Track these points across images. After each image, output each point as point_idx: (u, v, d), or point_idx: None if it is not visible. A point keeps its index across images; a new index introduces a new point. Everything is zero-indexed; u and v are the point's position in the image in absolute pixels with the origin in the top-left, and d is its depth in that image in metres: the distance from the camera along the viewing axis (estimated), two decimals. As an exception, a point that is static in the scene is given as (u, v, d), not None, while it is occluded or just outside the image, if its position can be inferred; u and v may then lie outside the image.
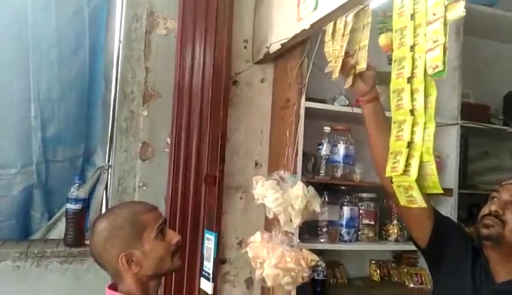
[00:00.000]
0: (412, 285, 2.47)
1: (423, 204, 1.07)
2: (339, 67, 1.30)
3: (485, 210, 1.36)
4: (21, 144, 2.23)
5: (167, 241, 1.21)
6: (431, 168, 1.00)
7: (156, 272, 1.19)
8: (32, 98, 2.23)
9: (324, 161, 2.18)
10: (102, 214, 1.95)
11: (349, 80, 1.35)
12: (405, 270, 2.55)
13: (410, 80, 1.05)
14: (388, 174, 1.10)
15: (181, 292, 2.08)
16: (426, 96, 1.01)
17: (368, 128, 1.39)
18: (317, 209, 1.71)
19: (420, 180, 1.02)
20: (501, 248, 1.31)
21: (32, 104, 2.23)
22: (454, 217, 2.36)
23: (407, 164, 1.03)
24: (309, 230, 2.17)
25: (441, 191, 1.01)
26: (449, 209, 2.38)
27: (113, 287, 1.21)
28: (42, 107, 2.25)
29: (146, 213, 1.21)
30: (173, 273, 2.05)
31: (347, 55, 1.32)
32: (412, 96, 1.04)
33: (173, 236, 1.23)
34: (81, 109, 2.36)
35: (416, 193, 1.03)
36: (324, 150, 2.19)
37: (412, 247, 2.39)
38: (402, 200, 1.09)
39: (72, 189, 2.16)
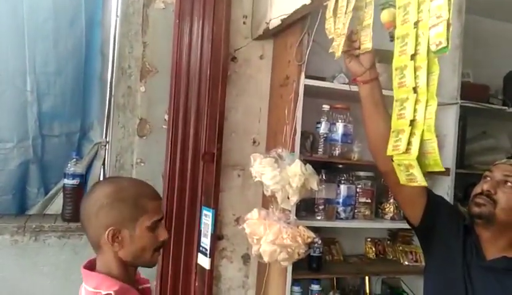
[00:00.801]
0: (406, 262, 2.51)
1: (423, 183, 1.07)
2: (341, 45, 1.28)
3: (477, 189, 1.38)
4: (17, 118, 2.22)
5: (155, 235, 1.16)
6: (432, 145, 1.00)
7: (133, 260, 1.15)
8: (27, 71, 2.21)
9: (322, 140, 2.18)
10: (108, 178, 1.92)
11: (347, 60, 1.32)
12: (400, 247, 2.58)
13: (413, 57, 1.03)
14: (389, 153, 1.10)
15: (179, 267, 2.10)
16: (429, 73, 1.00)
17: (363, 108, 1.37)
18: (315, 187, 1.71)
19: (420, 158, 1.02)
20: (492, 227, 1.34)
21: (28, 77, 2.21)
22: (450, 197, 2.38)
23: (408, 142, 1.02)
24: (306, 207, 2.18)
25: (442, 169, 1.01)
26: (446, 188, 2.39)
27: (89, 267, 1.17)
28: (37, 80, 2.22)
29: (151, 200, 1.18)
30: (171, 248, 2.07)
31: (350, 37, 1.28)
32: (414, 73, 1.02)
33: (163, 233, 1.19)
34: (78, 84, 2.34)
35: (416, 171, 1.03)
36: (323, 128, 2.19)
37: (407, 225, 2.43)
38: (402, 179, 1.09)
39: (69, 164, 2.15)
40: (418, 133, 1.00)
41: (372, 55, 1.29)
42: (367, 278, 2.52)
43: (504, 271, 1.32)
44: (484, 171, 1.87)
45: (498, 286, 1.31)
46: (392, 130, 1.09)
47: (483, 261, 1.37)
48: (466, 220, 1.47)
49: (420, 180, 1.05)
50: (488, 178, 1.38)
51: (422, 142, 1.00)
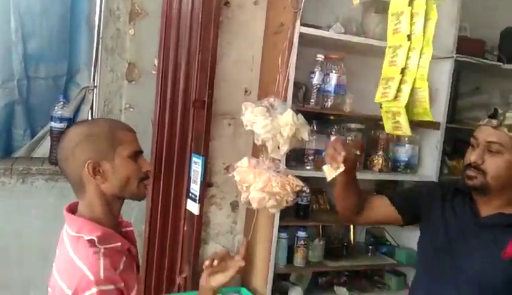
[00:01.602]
0: (391, 214, 2.56)
1: (408, 132, 1.07)
2: None
3: (466, 159, 1.38)
4: (1, 58, 2.15)
5: (138, 165, 1.15)
6: (423, 94, 0.99)
7: (120, 192, 1.14)
8: (12, 11, 2.12)
9: (315, 91, 2.16)
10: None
11: (331, 172, 1.35)
12: (387, 199, 2.63)
13: (411, 3, 1.00)
14: (377, 100, 1.09)
15: (168, 212, 2.12)
16: (426, 20, 0.97)
17: (337, 188, 1.49)
18: (306, 137, 1.69)
19: (410, 106, 1.01)
20: (489, 194, 1.35)
21: (12, 16, 2.12)
22: (439, 151, 2.40)
23: (398, 89, 1.01)
24: (296, 157, 2.19)
25: (431, 118, 1.01)
26: (435, 142, 2.41)
27: (71, 210, 1.17)
28: (22, 20, 2.15)
29: (125, 131, 1.17)
30: (160, 193, 2.09)
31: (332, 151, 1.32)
32: (411, 19, 0.99)
33: (145, 164, 1.18)
34: (64, 25, 2.26)
35: (403, 119, 1.02)
36: (316, 79, 2.16)
37: (395, 177, 2.47)
38: (388, 127, 1.08)
39: (56, 108, 2.12)
40: (410, 80, 0.99)
41: (353, 157, 1.36)
42: (351, 227, 2.58)
43: (500, 227, 1.33)
44: (474, 127, 1.86)
45: (493, 241, 1.32)
46: (382, 77, 1.08)
47: (477, 218, 1.38)
48: (455, 184, 1.48)
49: (405, 129, 1.05)
50: (474, 146, 1.36)
51: (413, 90, 0.99)
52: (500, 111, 1.34)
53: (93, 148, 1.11)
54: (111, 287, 1.03)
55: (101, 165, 1.11)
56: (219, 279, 1.21)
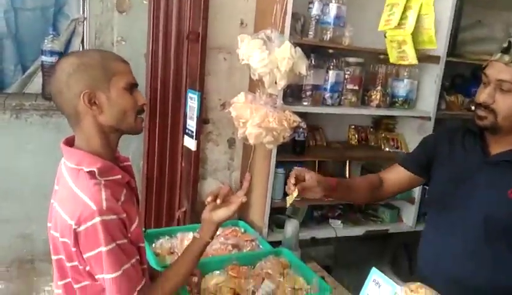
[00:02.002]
0: (387, 149, 2.58)
1: (414, 61, 1.04)
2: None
3: (477, 97, 1.31)
4: (-16, -11, 2.05)
5: (133, 98, 1.13)
6: (429, 21, 0.94)
7: (117, 125, 1.12)
8: None
9: (313, 22, 2.08)
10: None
11: (289, 200, 1.35)
12: (383, 134, 2.64)
13: None
14: (380, 27, 1.05)
15: (165, 148, 2.13)
16: None
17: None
18: (303, 71, 1.66)
19: (415, 34, 0.97)
20: (499, 133, 1.32)
21: None
22: (437, 86, 2.38)
23: (403, 17, 0.96)
24: (292, 93, 2.16)
25: (436, 46, 0.98)
26: (434, 76, 2.38)
27: (68, 143, 1.15)
28: None
29: (119, 62, 1.13)
30: (157, 129, 2.08)
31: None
32: None
33: (141, 98, 1.16)
34: (48, -49, 2.12)
35: (409, 48, 0.99)
36: (315, 9, 2.08)
37: (392, 112, 2.46)
38: (393, 57, 1.05)
39: (46, 41, 2.05)
40: (416, 6, 0.94)
41: (317, 183, 1.34)
42: (347, 162, 2.61)
43: (510, 164, 1.30)
44: (475, 61, 1.81)
45: (501, 179, 1.31)
46: (386, 3, 1.03)
47: (487, 157, 1.36)
48: (460, 128, 1.46)
49: (411, 58, 1.02)
50: (484, 84, 1.30)
51: (419, 17, 0.94)
52: None
53: (87, 78, 1.08)
54: (114, 217, 1.04)
55: (96, 95, 1.08)
56: (221, 214, 1.23)
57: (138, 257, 1.11)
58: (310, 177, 1.34)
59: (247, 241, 1.86)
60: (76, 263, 1.08)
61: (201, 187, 2.20)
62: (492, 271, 1.34)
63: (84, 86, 1.07)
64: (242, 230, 1.97)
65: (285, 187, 1.49)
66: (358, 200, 1.61)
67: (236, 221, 2.08)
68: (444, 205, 1.45)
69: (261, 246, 1.85)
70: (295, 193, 1.32)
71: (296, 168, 1.40)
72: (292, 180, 1.32)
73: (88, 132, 1.12)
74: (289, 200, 1.35)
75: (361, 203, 1.94)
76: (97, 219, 1.01)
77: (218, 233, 1.84)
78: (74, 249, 1.05)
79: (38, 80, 2.20)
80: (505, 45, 1.26)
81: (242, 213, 2.27)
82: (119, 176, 1.13)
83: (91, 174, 1.08)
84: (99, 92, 1.09)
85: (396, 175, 1.56)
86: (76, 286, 1.11)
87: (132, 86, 1.14)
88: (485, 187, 1.33)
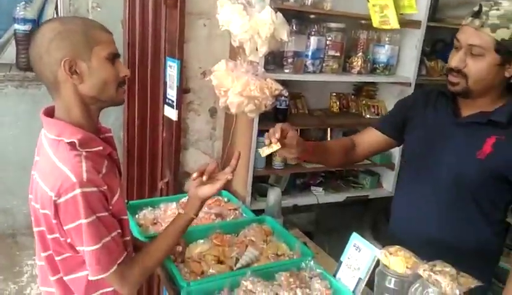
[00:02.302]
0: (368, 116, 2.60)
1: (396, 25, 1.04)
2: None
3: (449, 62, 1.34)
4: None
5: (115, 69, 1.11)
6: (410, -15, 0.94)
7: (98, 95, 1.10)
8: None
9: (294, -14, 2.04)
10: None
11: (266, 150, 1.33)
12: (364, 101, 2.65)
13: None
14: None
15: (145, 118, 2.10)
16: None
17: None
18: (285, 37, 1.64)
19: (395, -1, 0.97)
20: (471, 97, 1.34)
21: None
22: (418, 51, 2.38)
23: (385, -17, 0.95)
24: (274, 61, 2.13)
25: (416, 11, 0.98)
26: (415, 41, 2.38)
27: (48, 114, 1.13)
28: None
29: (102, 31, 1.10)
30: (136, 99, 2.04)
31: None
32: None
33: (123, 69, 1.14)
34: None
35: (391, 12, 0.99)
36: (295, -27, 2.03)
37: (373, 78, 2.47)
38: (376, 21, 1.05)
39: (18, 8, 1.98)
40: (398, -29, 0.93)
41: (295, 138, 1.34)
42: (329, 129, 2.62)
43: (478, 125, 1.34)
44: (456, 25, 1.79)
45: (470, 141, 1.34)
46: None
47: (457, 118, 1.39)
48: (434, 90, 1.49)
49: (393, 23, 1.02)
50: (456, 49, 1.31)
51: (399, -18, 0.94)
52: (485, 9, 1.25)
53: (69, 45, 1.04)
54: (94, 189, 1.03)
55: (77, 64, 1.06)
56: (206, 190, 1.24)
57: (119, 230, 1.11)
58: (291, 135, 1.34)
59: (230, 210, 1.87)
60: (57, 235, 1.07)
61: (183, 157, 2.19)
62: (465, 231, 1.39)
63: (65, 54, 1.04)
64: (226, 200, 1.98)
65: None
66: (332, 163, 1.63)
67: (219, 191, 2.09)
68: (415, 167, 1.49)
69: (244, 215, 1.87)
70: (276, 147, 1.31)
71: (280, 123, 1.39)
72: (277, 134, 1.31)
73: (68, 101, 1.09)
74: (266, 151, 1.33)
75: (335, 166, 2.09)
76: (77, 191, 1.00)
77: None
78: (54, 221, 1.04)
79: (11, 49, 2.12)
80: (476, 9, 1.27)
81: (225, 183, 2.28)
82: (100, 148, 1.12)
83: (71, 145, 1.06)
84: (80, 60, 1.06)
85: (369, 138, 1.60)
86: (57, 258, 1.11)
87: (114, 57, 1.11)
88: (455, 148, 1.37)
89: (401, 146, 1.66)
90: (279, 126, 1.34)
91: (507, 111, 1.31)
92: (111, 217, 1.08)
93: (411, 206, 1.49)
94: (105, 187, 1.06)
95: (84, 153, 1.07)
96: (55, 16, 2.10)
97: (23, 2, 1.98)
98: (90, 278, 1.07)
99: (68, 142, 1.06)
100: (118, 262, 1.08)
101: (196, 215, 1.25)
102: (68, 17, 1.12)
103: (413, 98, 1.60)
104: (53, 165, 1.04)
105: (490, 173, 1.31)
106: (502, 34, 1.22)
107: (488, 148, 1.31)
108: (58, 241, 1.08)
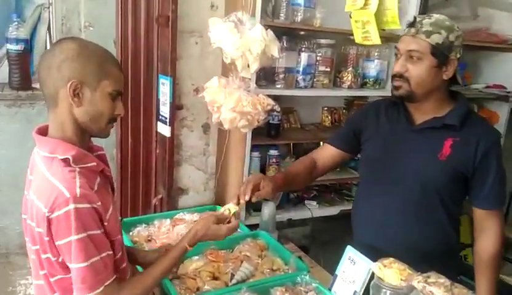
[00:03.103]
0: (360, 129, 2.61)
1: (378, 41, 1.07)
2: None
3: (393, 70, 1.43)
4: None
5: (113, 106, 1.13)
6: (391, 1, 0.97)
7: (89, 122, 1.11)
8: None
9: (284, 4, 2.07)
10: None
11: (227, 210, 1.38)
12: (355, 115, 2.67)
13: None
14: (347, 8, 1.06)
15: (139, 135, 2.10)
16: None
17: None
18: (276, 54, 1.67)
19: (379, 15, 0.99)
20: (417, 101, 1.42)
21: None
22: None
23: (368, -1, 0.98)
24: (265, 76, 2.16)
25: (399, 26, 1.00)
26: (402, 56, 2.41)
27: (41, 133, 1.13)
28: None
29: (115, 67, 1.13)
30: (129, 117, 2.05)
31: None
32: None
33: (120, 108, 1.16)
34: None
35: (373, 28, 1.01)
36: (285, -9, 2.07)
37: (363, 92, 2.50)
38: (358, 37, 1.07)
39: (10, 28, 1.98)
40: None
41: (270, 190, 1.42)
42: (321, 143, 2.64)
43: (434, 130, 1.42)
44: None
45: (429, 145, 1.42)
46: None
47: (413, 125, 1.47)
48: (385, 100, 1.59)
49: (375, 39, 1.05)
50: (398, 55, 1.41)
51: (383, -3, 0.96)
52: (418, 19, 1.38)
53: (81, 69, 1.07)
54: (88, 206, 1.03)
55: (82, 89, 1.08)
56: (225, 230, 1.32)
57: (110, 252, 1.09)
58: (264, 185, 1.42)
59: (224, 225, 1.87)
60: (49, 255, 1.07)
61: (177, 174, 2.19)
62: (433, 231, 1.46)
63: (74, 76, 1.06)
64: (220, 215, 1.97)
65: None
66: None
67: (213, 206, 2.09)
68: (376, 175, 1.55)
69: (239, 230, 1.87)
70: (234, 209, 1.36)
71: (251, 175, 1.46)
72: (249, 190, 1.39)
73: (62, 118, 1.10)
74: (227, 210, 1.37)
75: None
76: (71, 206, 1.00)
77: (195, 219, 1.85)
78: (46, 239, 1.04)
79: (4, 69, 2.13)
80: (411, 20, 1.40)
81: (218, 198, 2.28)
82: (94, 164, 1.12)
83: (65, 161, 1.06)
84: (86, 87, 1.08)
85: (326, 153, 1.69)
86: (51, 279, 1.10)
87: (117, 95, 1.14)
88: (416, 154, 1.44)
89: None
90: (250, 184, 1.41)
91: (457, 115, 1.41)
92: (104, 236, 1.08)
93: (376, 212, 1.53)
94: (99, 203, 1.06)
95: (78, 169, 1.07)
96: (48, 36, 2.11)
97: (16, 22, 1.99)
98: None
99: (61, 159, 1.06)
100: (105, 283, 1.06)
101: (191, 247, 1.26)
102: (91, 43, 1.14)
103: (363, 111, 1.70)
104: (48, 182, 1.05)
105: (452, 172, 1.40)
106: (436, 38, 1.34)
107: (447, 149, 1.40)
108: (50, 261, 1.08)
